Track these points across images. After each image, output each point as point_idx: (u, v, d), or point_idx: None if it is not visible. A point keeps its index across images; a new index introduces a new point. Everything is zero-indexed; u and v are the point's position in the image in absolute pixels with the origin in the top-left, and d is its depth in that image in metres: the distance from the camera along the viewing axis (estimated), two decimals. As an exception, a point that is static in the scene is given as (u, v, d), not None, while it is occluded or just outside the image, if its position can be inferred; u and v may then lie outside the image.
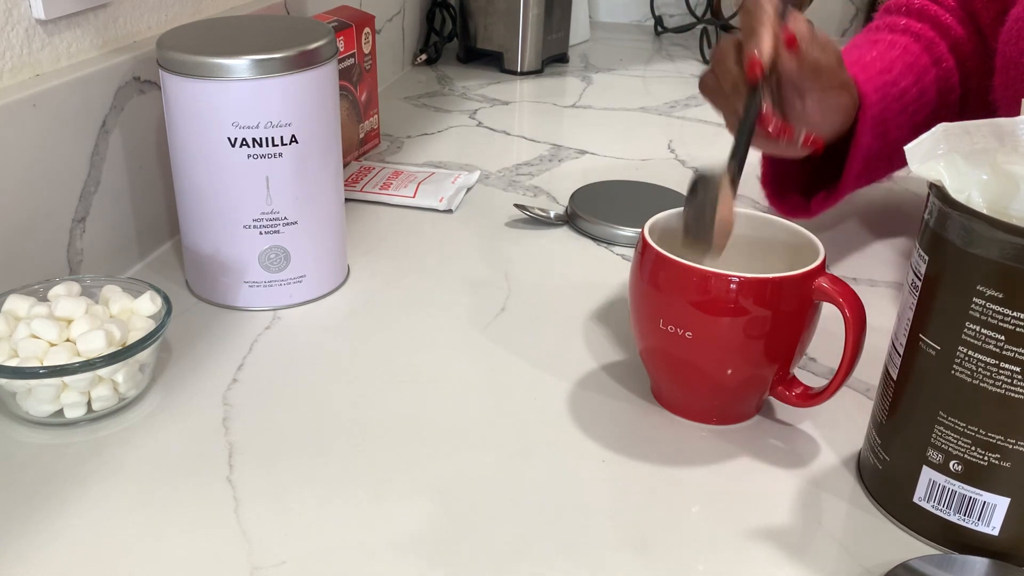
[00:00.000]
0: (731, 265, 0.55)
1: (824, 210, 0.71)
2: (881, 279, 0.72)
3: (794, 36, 0.57)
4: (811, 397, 0.51)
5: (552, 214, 0.80)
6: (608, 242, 0.77)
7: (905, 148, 0.42)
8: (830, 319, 0.53)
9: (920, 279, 0.43)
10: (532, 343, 0.62)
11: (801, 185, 0.73)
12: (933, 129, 0.41)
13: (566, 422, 0.54)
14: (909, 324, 0.44)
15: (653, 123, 1.09)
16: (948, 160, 0.41)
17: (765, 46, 0.56)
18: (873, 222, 0.82)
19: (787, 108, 0.63)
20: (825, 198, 0.70)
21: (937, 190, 0.42)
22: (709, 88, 0.63)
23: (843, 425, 0.54)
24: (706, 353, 0.50)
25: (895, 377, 0.45)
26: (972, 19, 0.74)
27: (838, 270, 0.73)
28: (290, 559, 0.43)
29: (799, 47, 0.58)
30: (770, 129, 0.60)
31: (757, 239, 0.55)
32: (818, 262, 0.50)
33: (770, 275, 0.48)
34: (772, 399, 0.55)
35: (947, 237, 0.41)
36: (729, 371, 0.51)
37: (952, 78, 0.73)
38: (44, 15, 0.59)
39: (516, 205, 0.80)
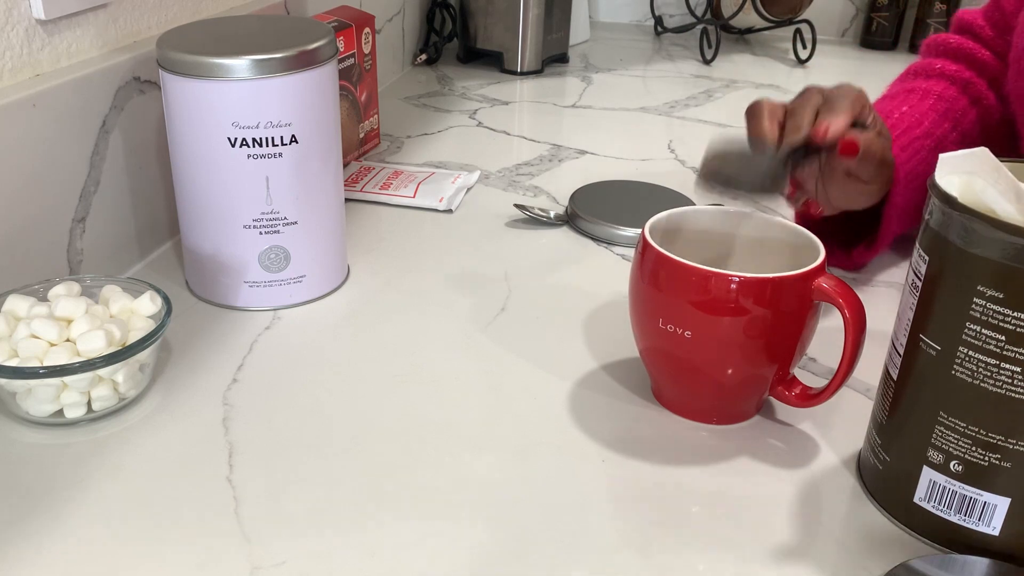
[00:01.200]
0: (731, 265, 0.55)
1: (867, 260, 0.71)
2: (881, 279, 0.72)
3: (856, 145, 0.59)
4: (811, 397, 0.51)
5: (552, 214, 0.80)
6: (608, 242, 0.77)
7: (940, 156, 0.42)
8: (830, 319, 0.53)
9: (920, 279, 0.43)
10: (532, 343, 0.62)
11: (837, 236, 0.73)
12: (975, 149, 0.41)
13: (566, 422, 0.54)
14: (909, 324, 0.44)
15: (653, 123, 1.09)
16: (969, 180, 0.41)
17: (838, 125, 0.58)
18: (873, 222, 0.82)
19: (818, 178, 0.64)
20: (865, 250, 0.70)
21: (938, 190, 0.42)
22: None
23: (843, 425, 0.54)
24: (706, 353, 0.50)
25: (895, 377, 0.45)
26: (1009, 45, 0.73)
27: (838, 270, 0.73)
28: (290, 559, 0.43)
29: (854, 156, 0.60)
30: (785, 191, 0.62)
31: (757, 239, 0.55)
32: (818, 262, 0.49)
33: (770, 275, 0.48)
34: (772, 399, 0.55)
35: (947, 237, 0.41)
36: (729, 371, 0.51)
37: (994, 114, 0.73)
38: (44, 15, 0.59)
39: (516, 205, 0.80)
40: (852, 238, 0.72)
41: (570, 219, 0.80)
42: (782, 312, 0.49)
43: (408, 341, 0.61)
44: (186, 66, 0.58)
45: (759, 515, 0.47)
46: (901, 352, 0.45)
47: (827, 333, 0.58)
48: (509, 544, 0.44)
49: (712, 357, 0.50)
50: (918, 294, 0.43)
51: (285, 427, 0.52)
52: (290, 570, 0.42)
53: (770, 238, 0.55)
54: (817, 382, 0.53)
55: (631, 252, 0.75)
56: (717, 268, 0.48)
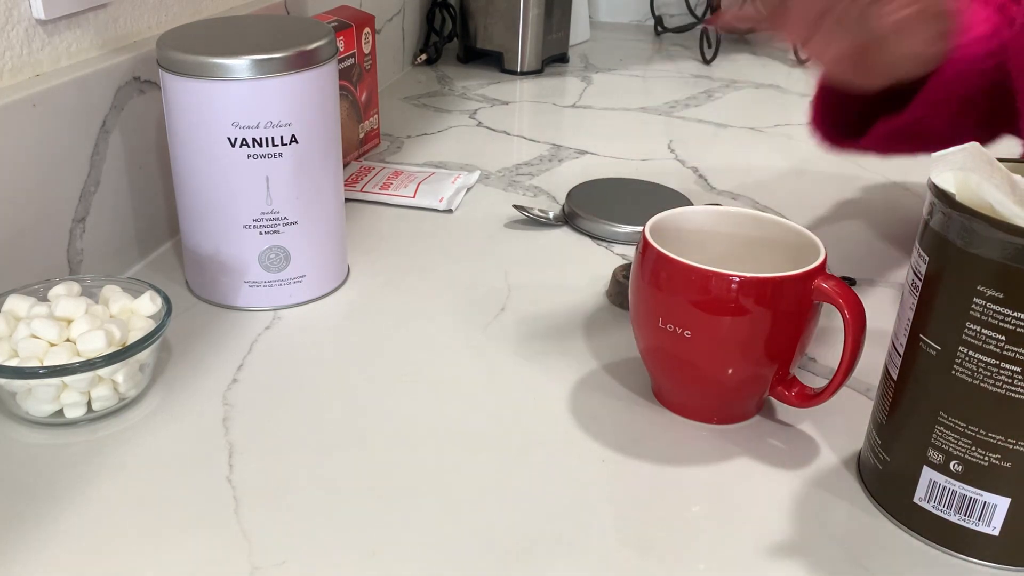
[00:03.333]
0: (731, 265, 0.55)
1: (884, 133, 0.66)
2: (881, 279, 0.72)
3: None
4: (811, 397, 0.51)
5: (551, 215, 0.80)
6: (606, 239, 0.77)
7: (933, 154, 0.42)
8: (830, 319, 0.53)
9: (920, 279, 0.43)
10: (532, 343, 0.62)
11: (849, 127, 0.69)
12: (966, 145, 0.41)
13: (566, 422, 0.54)
14: (909, 324, 0.44)
15: (653, 123, 1.09)
16: (965, 176, 0.41)
17: None
18: (873, 222, 0.82)
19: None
20: (886, 121, 0.65)
21: (938, 190, 0.42)
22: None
23: (843, 425, 0.54)
24: (706, 352, 0.50)
25: (895, 377, 0.45)
26: None
27: (838, 270, 0.73)
28: (290, 559, 0.43)
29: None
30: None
31: (757, 239, 0.55)
32: (818, 262, 0.49)
33: (770, 275, 0.48)
34: (772, 399, 0.55)
35: (948, 237, 0.41)
36: (729, 370, 0.51)
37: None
38: (44, 15, 0.59)
39: (515, 206, 0.80)
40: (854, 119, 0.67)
41: (568, 218, 0.80)
42: (782, 312, 0.49)
43: (408, 341, 0.61)
44: (186, 66, 0.58)
45: (759, 515, 0.47)
46: (901, 352, 0.45)
47: (827, 333, 0.58)
48: (509, 544, 0.44)
49: (712, 357, 0.50)
50: (918, 294, 0.43)
51: (285, 427, 0.52)
52: (290, 570, 0.42)
53: (770, 238, 0.55)
54: (817, 382, 0.53)
55: (631, 251, 0.75)
56: (717, 268, 0.48)
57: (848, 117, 0.69)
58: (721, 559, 0.44)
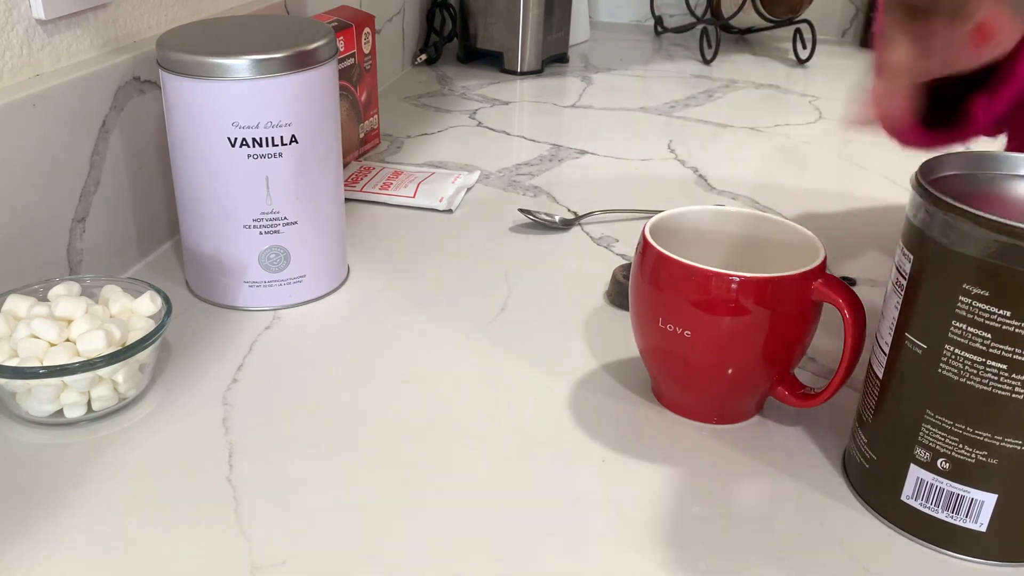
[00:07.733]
0: (731, 265, 0.55)
1: (990, 118, 0.59)
2: (881, 279, 0.72)
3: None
4: (810, 398, 0.51)
5: (557, 218, 0.80)
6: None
7: None
8: (830, 319, 0.53)
9: (904, 278, 0.43)
10: (532, 343, 0.62)
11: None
12: None
13: (566, 422, 0.54)
14: (894, 323, 0.44)
15: (653, 123, 1.09)
16: None
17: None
18: (873, 222, 0.82)
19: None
20: (988, 102, 0.57)
21: (919, 186, 0.42)
22: None
23: (843, 425, 0.54)
24: (706, 352, 0.50)
25: (880, 376, 0.45)
26: None
27: (838, 270, 0.73)
28: (290, 559, 0.43)
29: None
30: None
31: (757, 239, 0.55)
32: (818, 262, 0.50)
33: (770, 275, 0.48)
34: (772, 399, 0.55)
35: (931, 235, 0.41)
36: (729, 371, 0.51)
37: None
38: (44, 15, 0.59)
39: (521, 210, 0.80)
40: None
41: (579, 219, 0.79)
42: (782, 312, 0.49)
43: (408, 341, 0.61)
44: (186, 66, 0.58)
45: (759, 515, 0.47)
46: (886, 351, 0.45)
47: (827, 333, 0.58)
48: (509, 544, 0.44)
49: (712, 357, 0.50)
50: (902, 293, 0.43)
51: (285, 427, 0.52)
52: (290, 570, 0.42)
53: (770, 238, 0.55)
54: (817, 382, 0.53)
55: (631, 252, 0.75)
56: (717, 268, 0.48)
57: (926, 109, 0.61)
58: (720, 559, 0.44)
